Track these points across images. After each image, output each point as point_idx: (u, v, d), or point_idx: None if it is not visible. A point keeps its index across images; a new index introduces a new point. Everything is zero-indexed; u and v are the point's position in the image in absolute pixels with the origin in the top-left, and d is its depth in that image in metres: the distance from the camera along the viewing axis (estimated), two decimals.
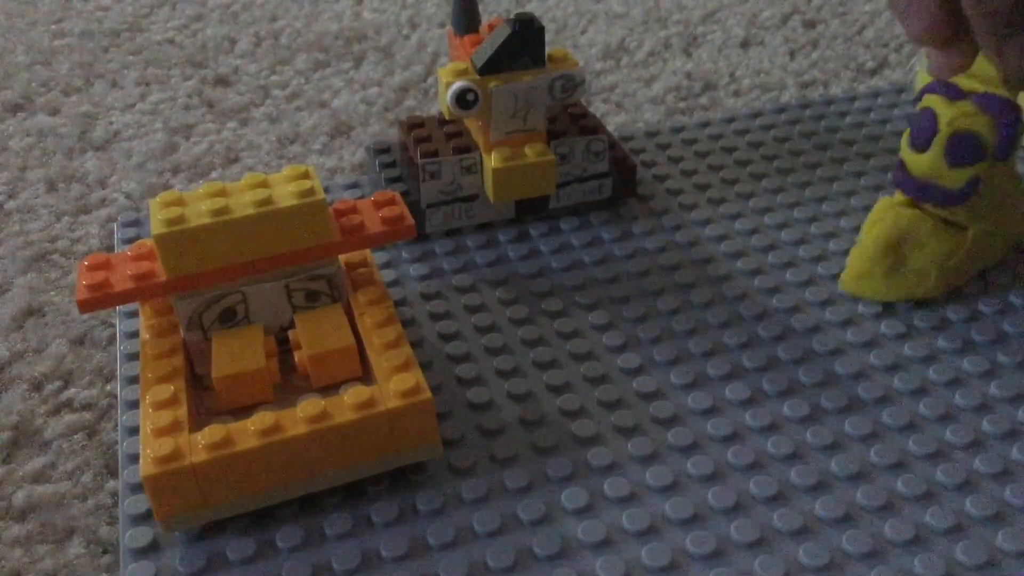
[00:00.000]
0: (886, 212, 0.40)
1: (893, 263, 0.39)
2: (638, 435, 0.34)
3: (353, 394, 0.31)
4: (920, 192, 0.39)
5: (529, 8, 0.73)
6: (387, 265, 0.44)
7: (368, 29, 0.70)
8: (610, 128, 0.56)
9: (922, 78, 0.56)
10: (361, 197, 0.49)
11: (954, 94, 0.38)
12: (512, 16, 0.43)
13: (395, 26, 0.71)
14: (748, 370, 0.37)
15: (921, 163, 0.38)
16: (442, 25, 0.71)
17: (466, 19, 0.47)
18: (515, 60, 0.44)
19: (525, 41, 0.43)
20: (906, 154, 0.39)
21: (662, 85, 0.61)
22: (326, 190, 0.50)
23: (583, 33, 0.69)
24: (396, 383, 0.32)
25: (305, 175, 0.36)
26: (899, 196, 0.40)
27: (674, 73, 0.63)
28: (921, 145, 0.38)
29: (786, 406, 0.35)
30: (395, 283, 0.43)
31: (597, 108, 0.59)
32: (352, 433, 0.31)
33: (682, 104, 0.59)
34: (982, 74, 0.39)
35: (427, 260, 0.44)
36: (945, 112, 0.38)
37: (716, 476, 0.33)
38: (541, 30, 0.43)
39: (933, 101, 0.38)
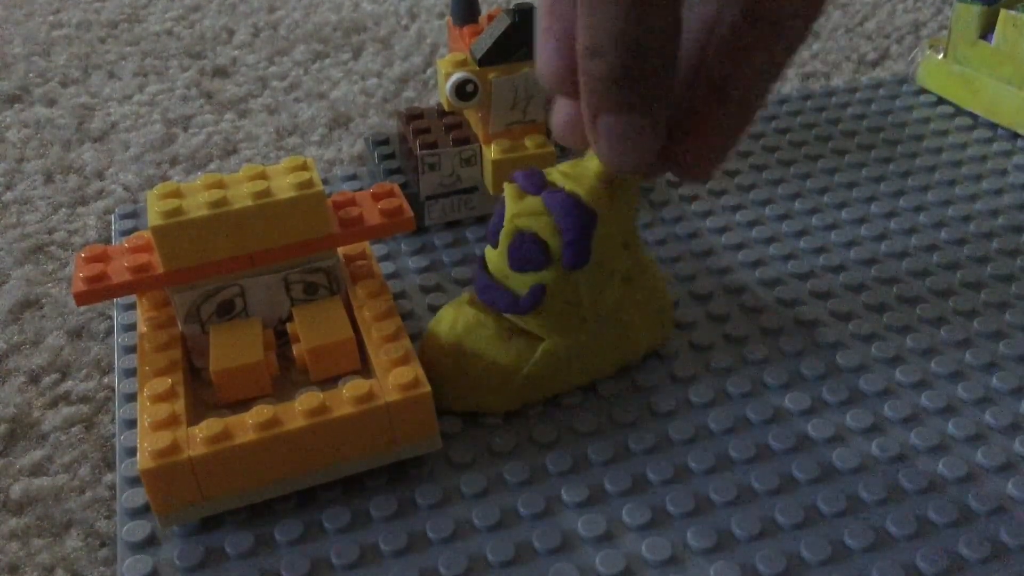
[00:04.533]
0: (447, 312, 0.35)
1: (454, 370, 0.34)
2: (638, 429, 0.34)
3: (352, 387, 0.31)
4: (484, 293, 0.34)
5: None
6: (386, 257, 0.44)
7: (367, 20, 0.69)
8: None
9: (924, 70, 0.56)
10: (360, 189, 0.49)
11: (530, 186, 0.33)
12: (511, 6, 0.42)
13: (394, 17, 0.70)
14: (750, 363, 0.37)
15: (492, 260, 0.34)
16: (441, 16, 0.70)
17: (465, 9, 0.46)
18: (515, 51, 0.43)
19: (525, 32, 0.43)
20: (487, 248, 0.34)
21: None
22: (325, 182, 0.50)
23: None
24: (395, 376, 0.31)
25: (303, 166, 0.35)
26: None
27: None
28: (492, 240, 0.33)
29: (787, 399, 0.35)
30: (394, 275, 0.43)
31: None
32: (351, 427, 0.31)
33: None
34: (588, 165, 0.33)
35: (426, 252, 0.44)
36: (511, 206, 0.33)
37: (717, 469, 0.33)
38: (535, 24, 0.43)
39: (508, 190, 0.33)
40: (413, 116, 0.47)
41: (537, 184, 0.33)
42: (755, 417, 0.34)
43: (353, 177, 0.50)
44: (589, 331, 0.35)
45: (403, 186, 0.46)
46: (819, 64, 0.61)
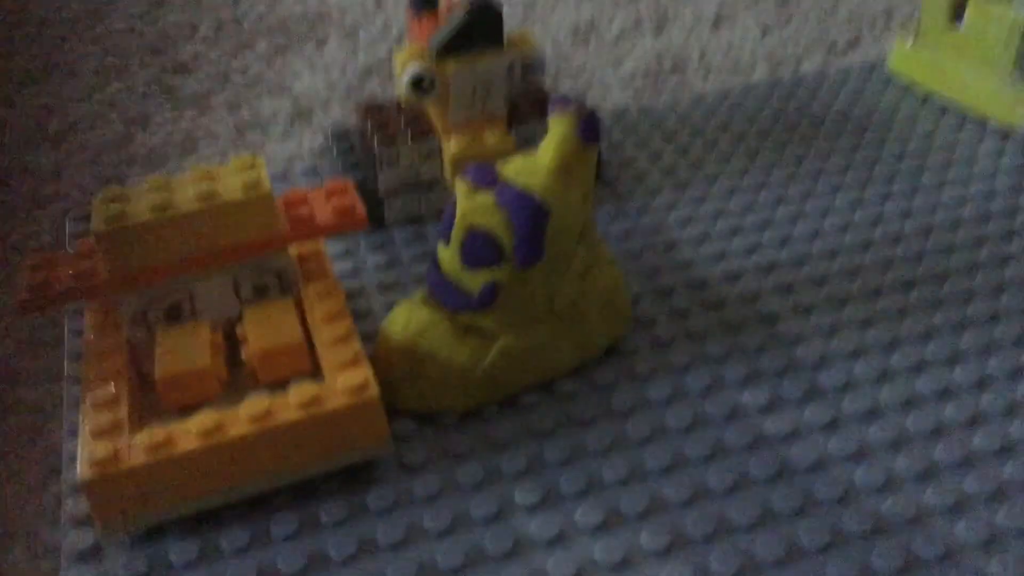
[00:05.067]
0: (401, 311, 0.34)
1: (409, 371, 0.34)
2: (595, 427, 0.34)
3: (298, 392, 0.30)
4: (438, 291, 0.33)
5: None
6: (345, 255, 0.43)
7: (332, 10, 0.69)
8: None
9: (895, 57, 0.55)
10: (320, 184, 0.48)
11: (482, 182, 0.32)
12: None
13: (360, 7, 0.69)
14: (709, 359, 0.36)
15: (445, 258, 0.33)
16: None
17: None
18: (473, 43, 0.43)
19: (484, 24, 0.42)
20: (440, 245, 0.34)
21: (632, 65, 0.60)
22: (284, 177, 0.49)
23: (553, 12, 0.68)
24: (344, 379, 0.31)
25: (251, 166, 0.35)
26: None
27: (644, 53, 0.62)
28: (446, 237, 0.33)
29: (746, 395, 0.35)
30: (353, 273, 0.42)
31: (565, 90, 0.58)
32: (297, 432, 0.30)
33: (652, 84, 0.58)
34: (540, 159, 0.33)
35: (386, 249, 0.43)
36: (463, 203, 0.32)
37: (673, 469, 0.32)
38: (500, 12, 0.42)
39: (459, 187, 0.33)
40: (372, 110, 0.46)
41: (489, 179, 0.33)
42: (713, 414, 0.34)
43: (313, 172, 0.49)
44: (546, 327, 0.34)
45: (363, 181, 0.45)
46: (789, 51, 0.61)
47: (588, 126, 0.34)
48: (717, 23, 0.65)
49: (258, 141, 0.53)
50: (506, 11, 0.68)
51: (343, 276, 0.42)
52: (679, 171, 0.48)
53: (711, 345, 0.37)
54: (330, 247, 0.44)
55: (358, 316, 0.39)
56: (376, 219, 0.45)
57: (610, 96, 0.56)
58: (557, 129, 0.34)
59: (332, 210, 0.36)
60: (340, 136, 0.49)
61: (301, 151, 0.52)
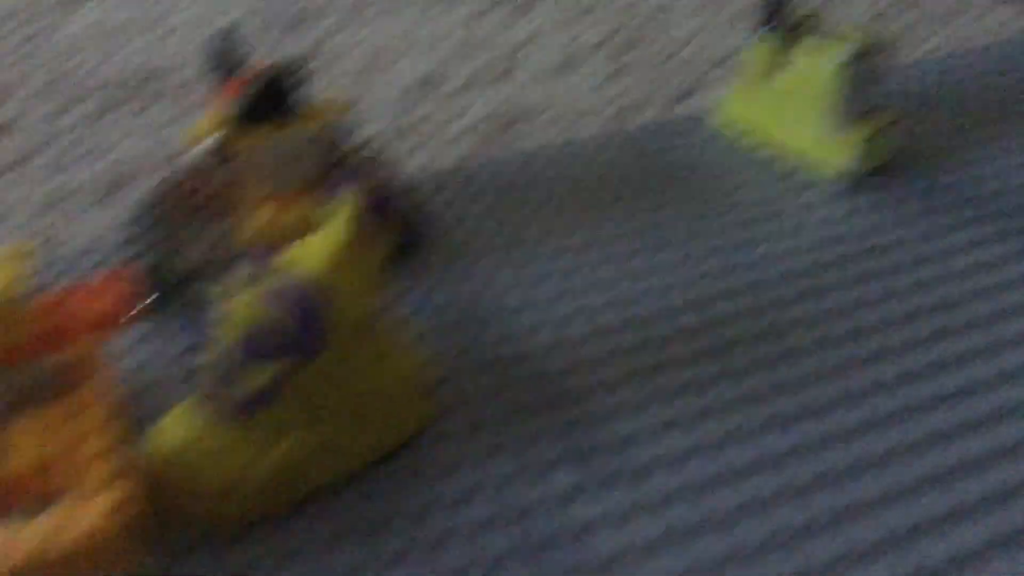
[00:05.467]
0: (172, 418, 0.32)
1: (184, 482, 0.31)
2: (386, 531, 0.32)
3: (37, 525, 0.28)
4: (215, 389, 0.31)
5: (337, 36, 0.70)
6: (139, 341, 0.40)
7: (164, 68, 0.66)
8: (413, 168, 0.53)
9: (726, 106, 0.55)
10: (126, 262, 0.45)
11: (260, 270, 0.31)
12: (273, 64, 0.40)
13: (193, 66, 0.66)
14: (519, 440, 0.35)
15: (221, 353, 0.31)
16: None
17: (224, 63, 0.43)
18: (273, 113, 0.41)
19: (284, 93, 0.41)
20: (215, 340, 0.31)
21: (473, 117, 0.58)
22: (84, 254, 0.46)
23: (394, 63, 0.66)
24: (92, 506, 0.28)
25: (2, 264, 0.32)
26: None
27: (486, 104, 0.60)
28: (221, 332, 0.31)
29: (550, 481, 0.33)
30: (145, 364, 0.39)
31: (402, 146, 0.56)
32: (37, 569, 0.27)
33: (493, 137, 0.56)
34: (321, 245, 0.32)
35: (177, 338, 0.40)
36: (239, 295, 0.30)
37: (471, 568, 0.30)
38: (301, 81, 0.40)
39: (234, 278, 0.31)
40: (173, 183, 0.44)
41: (266, 268, 0.31)
42: (516, 503, 0.32)
43: (115, 250, 0.46)
44: (334, 423, 0.32)
45: (159, 261, 0.42)
46: (632, 99, 0.60)
47: (377, 204, 0.32)
48: (561, 71, 0.64)
49: (71, 210, 0.50)
50: (347, 62, 0.66)
51: (128, 370, 0.39)
52: (505, 232, 0.46)
53: (519, 426, 0.35)
54: (119, 338, 0.41)
55: (144, 417, 0.37)
56: (172, 303, 0.42)
57: (449, 151, 0.55)
58: (339, 210, 0.32)
59: (101, 307, 0.33)
60: (142, 212, 0.46)
61: (113, 224, 0.49)
